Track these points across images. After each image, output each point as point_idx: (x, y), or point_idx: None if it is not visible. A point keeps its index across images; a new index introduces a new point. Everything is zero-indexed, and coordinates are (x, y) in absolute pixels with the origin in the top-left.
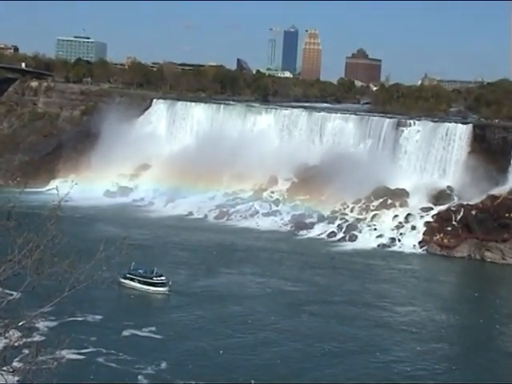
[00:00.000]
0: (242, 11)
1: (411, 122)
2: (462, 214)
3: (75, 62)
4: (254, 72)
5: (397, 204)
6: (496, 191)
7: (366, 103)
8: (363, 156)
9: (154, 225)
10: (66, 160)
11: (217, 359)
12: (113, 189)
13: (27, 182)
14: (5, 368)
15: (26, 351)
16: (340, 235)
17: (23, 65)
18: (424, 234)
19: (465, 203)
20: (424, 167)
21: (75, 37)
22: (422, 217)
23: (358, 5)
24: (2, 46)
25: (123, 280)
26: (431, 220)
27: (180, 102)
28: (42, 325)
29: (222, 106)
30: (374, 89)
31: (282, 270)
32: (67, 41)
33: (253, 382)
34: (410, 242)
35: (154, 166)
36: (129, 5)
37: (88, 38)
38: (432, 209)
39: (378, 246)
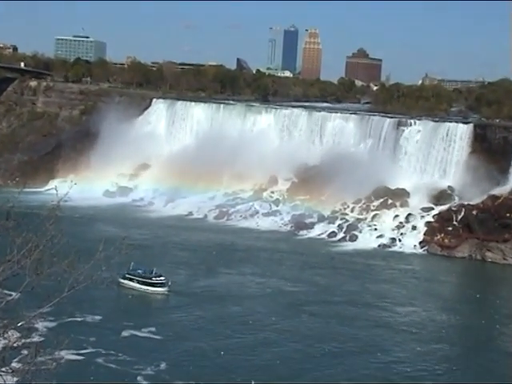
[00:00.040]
0: (241, 11)
1: (412, 121)
2: (462, 214)
3: (74, 61)
4: (254, 72)
5: (397, 204)
6: (497, 191)
7: (367, 103)
8: (363, 156)
9: (154, 225)
10: (66, 160)
11: (216, 360)
12: (112, 189)
13: (26, 181)
14: (4, 369)
15: (25, 352)
16: (340, 235)
17: (22, 64)
18: (425, 234)
19: (466, 203)
20: (424, 167)
21: (74, 36)
22: (422, 217)
23: (359, 4)
24: (1, 45)
25: (122, 280)
26: (432, 220)
27: (180, 102)
28: (41, 325)
29: (221, 105)
30: (375, 88)
31: (281, 270)
32: (66, 40)
33: (253, 382)
34: (411, 242)
35: (153, 165)
36: (128, 4)
37: (87, 38)
38: (433, 209)
39: (379, 246)
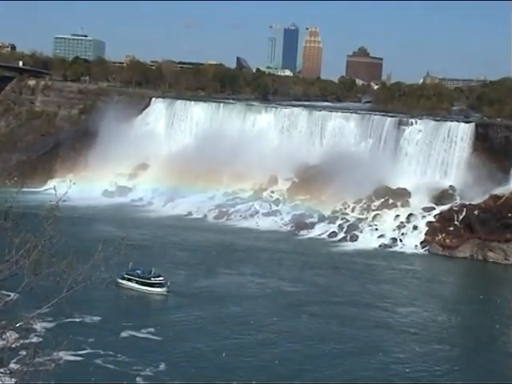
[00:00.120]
0: (241, 10)
1: (413, 121)
2: (464, 213)
3: (73, 60)
4: (254, 70)
5: (398, 204)
6: (499, 191)
7: (367, 102)
8: (364, 155)
9: (153, 225)
10: (64, 159)
11: (216, 360)
12: (111, 189)
13: (24, 181)
14: (2, 370)
15: (24, 353)
16: (341, 235)
17: (21, 63)
18: (426, 234)
19: (467, 203)
20: (426, 167)
21: (73, 35)
22: (423, 217)
23: (359, 3)
24: (0, 44)
25: (121, 280)
26: (433, 220)
27: (179, 101)
28: (39, 326)
29: (221, 104)
30: (376, 87)
31: (281, 271)
32: (65, 39)
33: (254, 382)
34: (412, 243)
35: (152, 165)
36: (128, 3)
37: (86, 36)
38: (434, 209)
39: (380, 246)
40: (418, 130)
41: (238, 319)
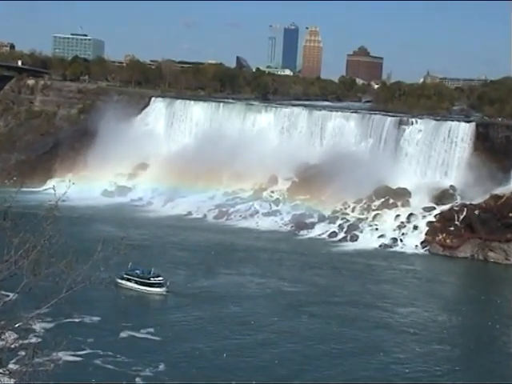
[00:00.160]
0: (241, 9)
1: (413, 120)
2: (464, 213)
3: (72, 59)
4: (254, 70)
5: (399, 204)
6: (499, 191)
7: (368, 101)
8: (364, 155)
9: (153, 225)
10: (63, 159)
11: (215, 361)
12: (111, 188)
13: (24, 181)
14: (1, 370)
15: (23, 353)
16: (341, 235)
17: (20, 62)
18: (426, 234)
19: (468, 203)
20: (426, 166)
21: (72, 34)
22: (424, 217)
23: (359, 2)
24: None
25: (120, 280)
26: (434, 220)
27: (179, 101)
28: (38, 326)
29: (221, 104)
30: (376, 87)
31: (281, 271)
32: (64, 38)
33: (254, 382)
34: (412, 243)
35: (152, 165)
36: (127, 2)
37: (85, 36)
38: (434, 208)
39: (380, 246)
40: (419, 129)
41: (238, 319)
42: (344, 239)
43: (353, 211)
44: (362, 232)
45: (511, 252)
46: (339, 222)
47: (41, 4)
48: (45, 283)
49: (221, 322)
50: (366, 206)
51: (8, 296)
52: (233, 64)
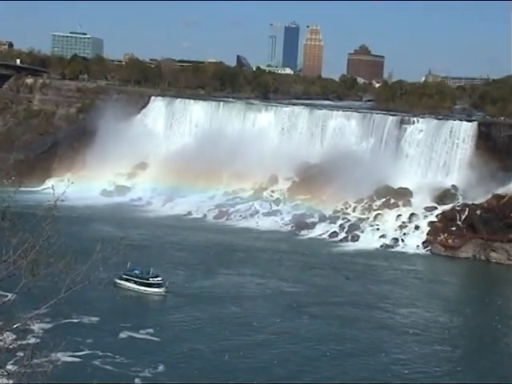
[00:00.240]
0: (242, 8)
1: (415, 119)
2: (466, 213)
3: (71, 58)
4: (254, 69)
5: (400, 203)
6: (501, 190)
7: (369, 100)
8: (365, 154)
9: (152, 225)
10: (62, 158)
11: (215, 361)
12: (110, 188)
13: (22, 181)
14: None
15: (21, 354)
16: (342, 235)
17: (18, 61)
18: (428, 234)
19: (469, 203)
20: (428, 166)
21: (71, 33)
22: (425, 216)
23: (360, 1)
24: None
25: (119, 281)
26: (435, 220)
27: (178, 100)
28: (37, 327)
29: (221, 103)
30: (377, 86)
31: (282, 271)
32: (63, 37)
33: (255, 383)
34: (414, 243)
35: (151, 164)
36: (126, 1)
37: (84, 34)
38: (436, 208)
39: (381, 246)
40: (420, 128)
41: (238, 320)
42: (345, 239)
43: (354, 211)
44: (362, 232)
45: None
46: (340, 221)
47: (40, 3)
48: (43, 283)
49: (220, 322)
50: (367, 205)
51: (6, 296)
52: (233, 63)
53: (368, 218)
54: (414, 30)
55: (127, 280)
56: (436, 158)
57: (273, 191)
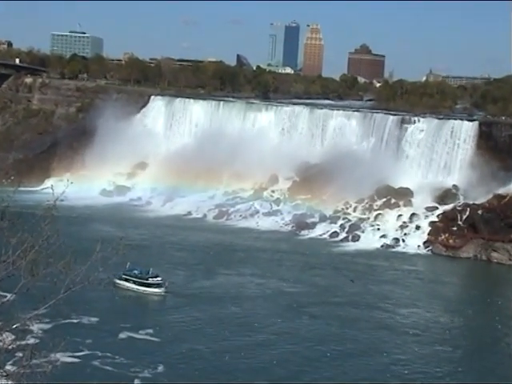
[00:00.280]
0: (242, 7)
1: (415, 119)
2: (467, 213)
3: (71, 57)
4: (255, 68)
5: (401, 203)
6: (503, 190)
7: (370, 100)
8: (366, 154)
9: (152, 225)
10: (62, 158)
11: (214, 362)
12: (109, 188)
13: (21, 180)
14: None
15: (20, 354)
16: (342, 235)
17: (17, 60)
18: (429, 234)
19: (471, 202)
20: (429, 166)
21: (71, 32)
22: (426, 216)
23: (361, 1)
24: None
25: (118, 281)
26: (436, 220)
27: (178, 99)
28: (36, 327)
29: (221, 102)
30: (378, 85)
31: (282, 271)
32: (62, 36)
33: (256, 383)
34: (415, 243)
35: (151, 164)
36: (126, 0)
37: (84, 33)
38: (437, 208)
39: (382, 246)
40: (421, 128)
41: (238, 320)
42: (345, 239)
43: (354, 211)
44: (363, 232)
45: None
46: (340, 221)
47: (39, 2)
48: (43, 284)
49: (220, 322)
50: (367, 205)
51: (5, 296)
52: (233, 62)
53: (369, 218)
54: (415, 30)
55: (126, 280)
56: (437, 158)
57: (273, 191)
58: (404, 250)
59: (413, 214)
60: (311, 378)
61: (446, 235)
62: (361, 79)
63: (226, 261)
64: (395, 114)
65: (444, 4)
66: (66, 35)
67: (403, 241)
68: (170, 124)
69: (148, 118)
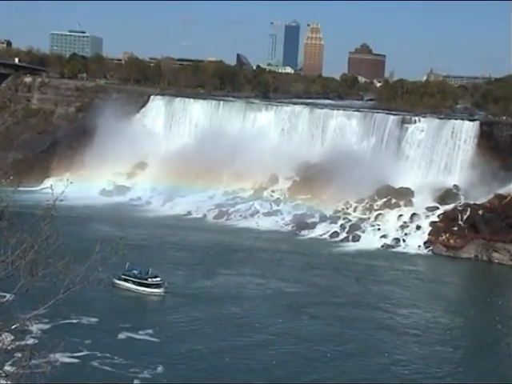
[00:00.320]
0: (242, 6)
1: (416, 119)
2: (468, 213)
3: (70, 57)
4: (255, 67)
5: (401, 203)
6: (503, 190)
7: (370, 100)
8: (366, 154)
9: (152, 224)
10: (61, 158)
11: (214, 362)
12: (109, 188)
13: (21, 180)
14: None
15: (19, 355)
16: (343, 235)
17: (16, 60)
18: (429, 234)
19: (471, 202)
20: (429, 166)
21: (70, 31)
22: (427, 216)
23: (361, 0)
24: None
25: (117, 281)
26: (437, 220)
27: (178, 99)
28: (35, 328)
29: (221, 102)
30: (378, 85)
31: (282, 271)
32: (62, 35)
33: (256, 383)
34: (415, 243)
35: (151, 164)
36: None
37: (83, 33)
38: (438, 208)
39: (382, 246)
40: (422, 128)
41: (237, 320)
42: (346, 239)
43: (355, 211)
44: (363, 232)
45: None
46: (341, 221)
47: (39, 2)
48: (42, 284)
49: (220, 323)
50: (368, 205)
51: (5, 297)
52: (233, 61)
53: (369, 218)
54: (416, 29)
55: (126, 280)
56: (437, 158)
57: (273, 191)
58: (404, 250)
59: (413, 214)
60: (311, 378)
61: (447, 235)
62: (361, 79)
63: (226, 261)
64: (396, 114)
65: (444, 4)
66: (66, 35)
67: (404, 241)
68: (170, 124)
69: (148, 118)
